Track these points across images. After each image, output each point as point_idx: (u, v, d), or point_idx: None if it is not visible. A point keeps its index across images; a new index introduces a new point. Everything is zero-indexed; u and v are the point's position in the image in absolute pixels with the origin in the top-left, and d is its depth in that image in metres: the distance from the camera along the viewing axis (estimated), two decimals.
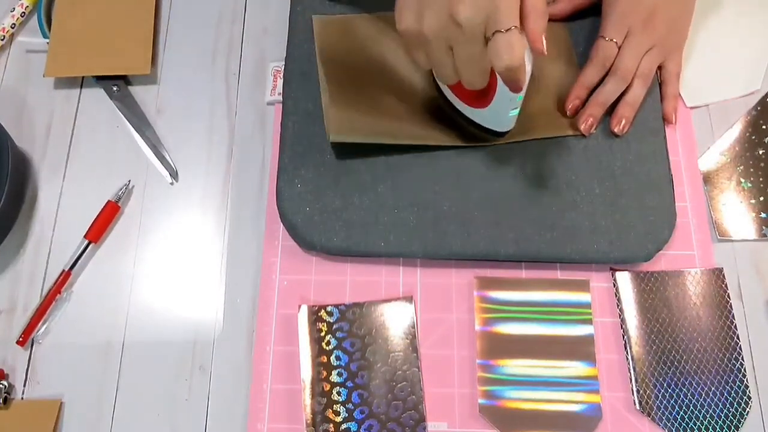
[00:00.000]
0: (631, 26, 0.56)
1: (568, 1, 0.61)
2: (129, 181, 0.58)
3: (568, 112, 0.57)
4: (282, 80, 0.59)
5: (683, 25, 0.59)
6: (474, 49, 0.44)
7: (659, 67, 0.59)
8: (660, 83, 0.59)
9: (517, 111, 0.51)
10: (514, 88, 0.46)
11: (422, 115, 0.56)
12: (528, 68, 0.46)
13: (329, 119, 0.54)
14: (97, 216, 0.56)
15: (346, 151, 0.56)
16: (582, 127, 0.56)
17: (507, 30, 0.42)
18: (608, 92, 0.56)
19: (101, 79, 0.61)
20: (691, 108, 0.60)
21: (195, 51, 0.64)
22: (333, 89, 0.55)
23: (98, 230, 0.56)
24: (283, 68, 0.60)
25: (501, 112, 0.52)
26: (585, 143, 0.56)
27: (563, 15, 0.61)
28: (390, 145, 0.55)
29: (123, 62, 0.60)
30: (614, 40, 0.56)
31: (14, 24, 0.63)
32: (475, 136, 0.56)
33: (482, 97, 0.51)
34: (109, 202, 0.56)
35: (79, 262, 0.55)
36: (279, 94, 0.60)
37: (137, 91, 0.62)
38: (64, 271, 0.54)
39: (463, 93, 0.53)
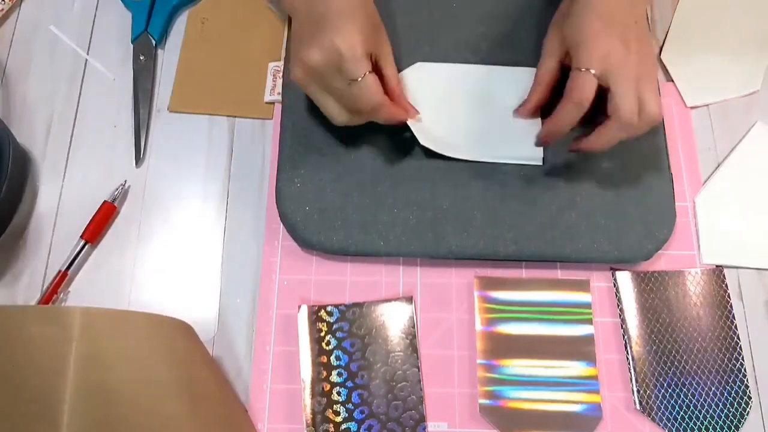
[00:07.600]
0: (611, 49, 0.45)
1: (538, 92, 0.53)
2: (125, 181, 0.58)
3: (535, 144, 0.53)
4: (282, 80, 0.59)
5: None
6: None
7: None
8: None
9: None
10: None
11: None
12: None
13: None
14: (94, 216, 0.56)
15: (345, 150, 0.55)
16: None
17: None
18: (611, 138, 0.48)
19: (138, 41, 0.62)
20: (691, 108, 0.60)
21: None
22: None
23: (95, 230, 0.55)
24: (282, 68, 0.59)
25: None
26: None
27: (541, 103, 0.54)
28: (390, 144, 0.55)
29: (243, 105, 0.60)
30: (591, 70, 0.45)
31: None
32: None
33: None
34: (105, 202, 0.56)
35: (77, 262, 0.55)
36: (279, 93, 0.60)
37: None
38: (60, 271, 0.54)
39: None
